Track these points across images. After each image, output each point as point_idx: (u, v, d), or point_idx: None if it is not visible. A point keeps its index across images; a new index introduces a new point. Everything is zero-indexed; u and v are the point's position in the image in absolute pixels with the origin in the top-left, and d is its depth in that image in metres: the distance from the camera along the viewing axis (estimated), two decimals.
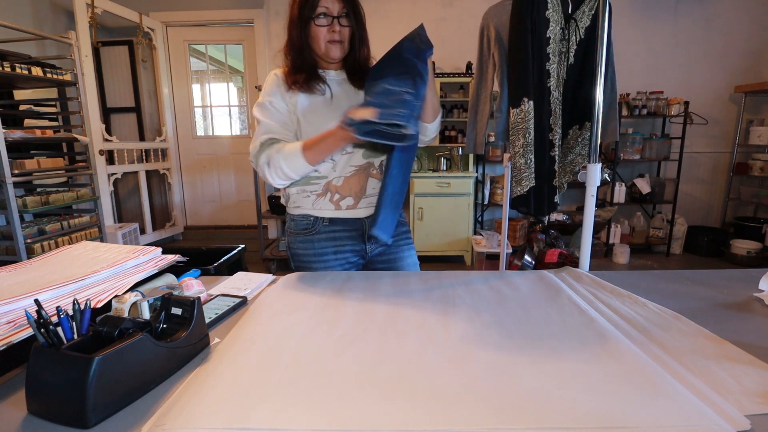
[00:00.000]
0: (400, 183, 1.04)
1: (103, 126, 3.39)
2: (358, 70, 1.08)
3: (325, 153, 0.97)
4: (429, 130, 1.11)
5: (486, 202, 3.77)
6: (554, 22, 1.46)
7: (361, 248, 1.13)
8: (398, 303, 0.80)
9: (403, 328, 0.70)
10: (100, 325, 0.53)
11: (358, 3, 1.04)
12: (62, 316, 0.51)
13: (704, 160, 3.94)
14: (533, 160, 1.54)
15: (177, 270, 0.85)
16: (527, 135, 1.51)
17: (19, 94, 2.96)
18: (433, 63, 1.03)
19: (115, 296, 0.66)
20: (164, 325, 0.61)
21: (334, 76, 1.09)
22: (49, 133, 2.53)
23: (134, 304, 0.66)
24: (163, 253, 0.82)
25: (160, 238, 4.01)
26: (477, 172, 3.69)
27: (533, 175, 1.55)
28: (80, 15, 3.11)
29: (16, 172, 2.26)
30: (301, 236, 1.12)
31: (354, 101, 1.06)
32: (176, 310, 0.61)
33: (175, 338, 0.58)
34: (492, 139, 3.00)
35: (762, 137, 3.57)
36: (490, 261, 3.28)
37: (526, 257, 2.87)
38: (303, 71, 1.04)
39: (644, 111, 3.59)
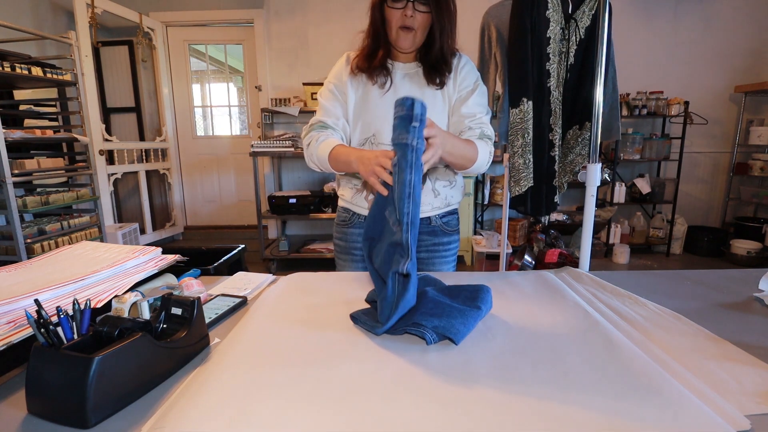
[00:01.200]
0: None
1: (103, 126, 3.39)
2: (437, 66, 1.01)
3: (344, 169, 0.96)
4: (468, 171, 1.02)
5: (486, 202, 3.77)
6: (554, 22, 1.46)
7: None
8: None
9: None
10: (100, 325, 0.53)
11: None
12: (62, 316, 0.51)
13: (704, 160, 3.94)
14: (532, 160, 1.54)
15: (177, 270, 0.85)
16: (526, 135, 1.51)
17: (19, 94, 2.96)
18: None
19: (115, 296, 0.66)
20: (164, 325, 0.61)
21: (400, 68, 1.04)
22: (49, 133, 2.53)
23: (134, 304, 0.65)
24: (163, 253, 0.82)
25: (160, 238, 4.01)
26: None
27: (532, 176, 1.55)
28: (80, 15, 3.11)
29: (16, 172, 2.26)
30: (339, 227, 1.15)
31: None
32: (176, 310, 0.61)
33: (175, 338, 0.58)
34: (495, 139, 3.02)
35: (762, 137, 3.57)
36: (490, 261, 3.28)
37: (526, 257, 2.87)
38: (375, 56, 1.00)
39: (644, 111, 3.59)
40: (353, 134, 1.06)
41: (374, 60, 1.01)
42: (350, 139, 1.08)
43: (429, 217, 1.10)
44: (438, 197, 1.09)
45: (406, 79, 1.04)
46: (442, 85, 1.02)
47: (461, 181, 1.14)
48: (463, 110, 1.02)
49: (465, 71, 1.05)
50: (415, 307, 0.71)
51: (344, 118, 1.05)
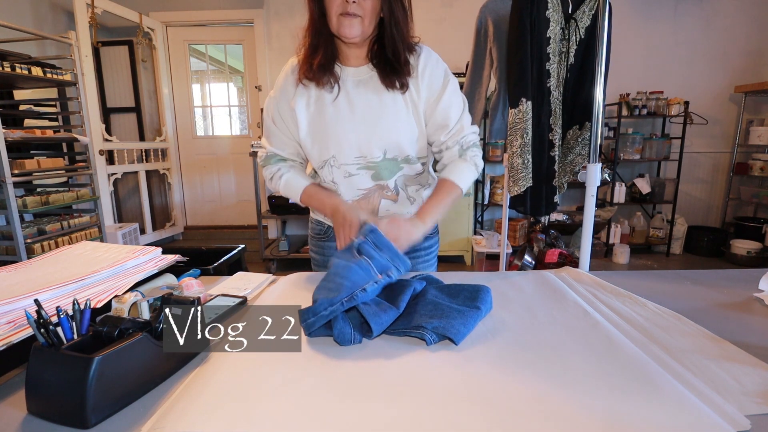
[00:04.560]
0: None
1: (103, 126, 3.39)
2: (394, 67, 0.87)
3: (320, 213, 0.95)
4: None
5: (486, 202, 3.77)
6: (554, 22, 1.46)
7: None
8: None
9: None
10: (100, 325, 0.53)
11: None
12: (62, 316, 0.51)
13: (704, 160, 3.94)
14: (530, 160, 1.54)
15: (177, 270, 0.85)
16: (525, 135, 1.51)
17: (19, 94, 2.96)
18: None
19: (115, 296, 0.66)
20: (164, 325, 0.61)
21: (351, 74, 0.91)
22: (49, 133, 2.53)
23: (134, 304, 0.65)
24: (163, 253, 0.82)
25: (160, 238, 4.01)
26: None
27: (530, 176, 1.55)
28: (80, 15, 3.10)
29: (16, 172, 2.26)
30: (315, 240, 1.12)
31: (375, 108, 0.90)
32: (176, 310, 0.61)
33: None
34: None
35: (762, 137, 3.57)
36: (490, 261, 3.28)
37: (526, 257, 2.87)
38: (319, 54, 0.87)
39: (644, 111, 3.59)
40: (311, 155, 0.96)
41: (315, 59, 0.87)
42: (307, 159, 1.01)
43: None
44: (415, 203, 1.03)
45: (360, 86, 0.91)
46: (404, 87, 0.89)
47: (434, 179, 1.08)
48: (438, 118, 0.93)
49: (430, 68, 0.91)
50: (414, 309, 0.71)
51: (294, 140, 0.97)
